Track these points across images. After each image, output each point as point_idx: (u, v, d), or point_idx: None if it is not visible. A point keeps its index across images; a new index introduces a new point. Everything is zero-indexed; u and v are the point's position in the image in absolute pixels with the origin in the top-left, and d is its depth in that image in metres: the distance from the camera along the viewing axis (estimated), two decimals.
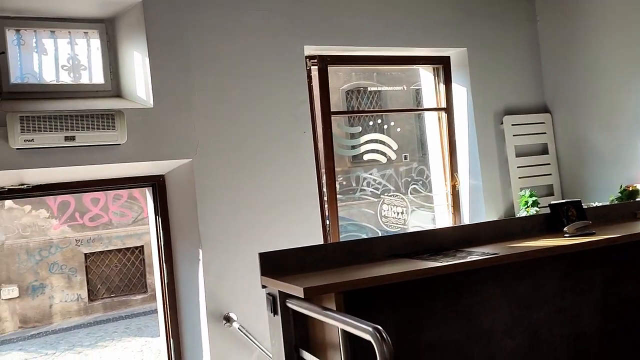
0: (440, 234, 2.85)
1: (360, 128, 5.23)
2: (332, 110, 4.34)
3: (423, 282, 2.46)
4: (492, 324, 2.59)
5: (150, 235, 4.22)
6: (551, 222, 3.00)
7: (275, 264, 2.45)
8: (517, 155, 4.67)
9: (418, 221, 4.93)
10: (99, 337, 11.43)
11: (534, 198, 4.34)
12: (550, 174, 4.76)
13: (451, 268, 2.29)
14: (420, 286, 2.46)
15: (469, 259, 2.37)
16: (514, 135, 4.66)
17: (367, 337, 1.63)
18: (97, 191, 4.97)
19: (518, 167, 4.65)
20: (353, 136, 5.12)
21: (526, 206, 4.35)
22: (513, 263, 2.61)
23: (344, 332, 1.81)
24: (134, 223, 13.86)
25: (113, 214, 13.61)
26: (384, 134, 5.09)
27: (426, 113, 5.09)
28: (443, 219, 4.85)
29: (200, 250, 3.64)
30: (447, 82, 4.78)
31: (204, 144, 3.68)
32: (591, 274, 2.86)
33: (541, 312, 2.71)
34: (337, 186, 4.41)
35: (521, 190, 4.50)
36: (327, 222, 4.26)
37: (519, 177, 4.63)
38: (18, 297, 12.75)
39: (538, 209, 4.29)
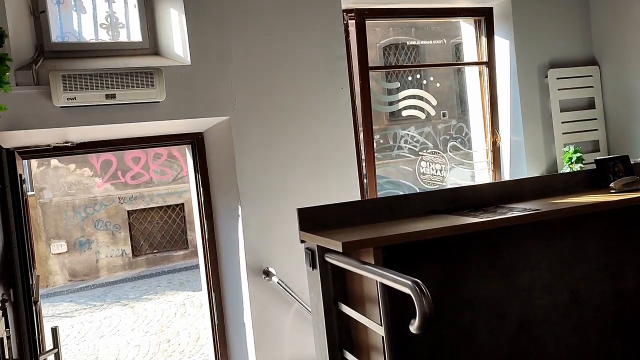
0: (480, 190, 2.80)
1: (399, 84, 5.13)
2: (369, 65, 4.26)
3: (462, 238, 2.44)
4: (532, 280, 2.56)
5: (190, 193, 4.30)
6: (597, 178, 2.91)
7: (313, 220, 2.47)
8: (562, 111, 4.52)
9: (457, 178, 4.87)
10: (143, 290, 11.88)
11: (578, 154, 4.21)
12: (596, 129, 4.60)
13: (491, 224, 2.26)
14: (459, 242, 2.44)
15: (509, 214, 2.34)
16: (558, 90, 4.50)
17: (407, 290, 1.63)
18: (138, 149, 5.05)
19: (562, 123, 4.50)
20: (391, 92, 5.03)
21: (570, 163, 4.23)
22: (555, 219, 2.56)
23: (383, 286, 1.82)
24: (174, 181, 14.16)
25: (154, 172, 13.92)
26: (422, 89, 4.97)
27: (467, 68, 4.95)
28: (483, 177, 4.77)
29: (240, 207, 3.69)
30: (489, 34, 4.61)
31: (241, 101, 3.68)
32: (637, 232, 2.78)
33: (582, 270, 2.67)
34: (375, 144, 4.37)
35: (565, 147, 4.37)
36: (365, 180, 4.25)
37: (563, 133, 4.49)
38: (66, 252, 13.31)
39: (582, 166, 4.17)
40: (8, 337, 2.33)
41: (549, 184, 2.91)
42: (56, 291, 12.51)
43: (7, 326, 2.38)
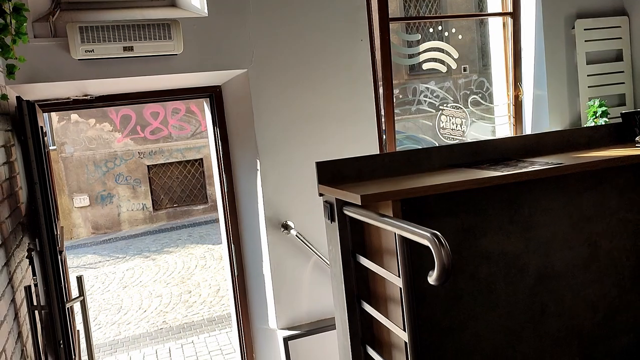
0: (501, 144, 2.76)
1: (419, 36, 5.01)
2: (390, 17, 4.16)
3: (482, 192, 2.42)
4: (551, 234, 2.55)
5: (209, 149, 4.30)
6: (622, 132, 2.85)
7: (332, 173, 2.47)
8: (588, 63, 4.38)
9: (477, 133, 4.80)
10: (164, 243, 12.13)
11: (603, 108, 4.11)
12: (622, 83, 4.47)
13: (512, 178, 2.24)
14: (478, 196, 2.43)
15: (530, 168, 2.30)
16: (585, 41, 4.35)
17: (425, 242, 1.63)
18: (157, 102, 5.05)
19: (588, 76, 4.38)
20: (411, 44, 4.92)
21: (594, 117, 4.13)
22: (577, 174, 2.52)
23: (401, 238, 1.82)
24: (193, 136, 14.22)
25: (172, 127, 13.97)
26: (443, 42, 4.85)
27: (490, 19, 4.81)
28: (504, 131, 4.70)
29: (258, 161, 3.70)
30: None
31: (259, 54, 3.63)
32: None
33: (603, 224, 2.64)
34: (394, 99, 4.31)
35: (590, 100, 4.27)
36: (384, 135, 4.21)
37: (589, 87, 4.37)
38: (89, 205, 13.58)
39: (607, 120, 4.07)
40: (35, 285, 2.40)
41: (572, 138, 2.86)
42: (80, 243, 12.84)
43: (34, 274, 2.45)
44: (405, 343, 1.88)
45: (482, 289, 2.45)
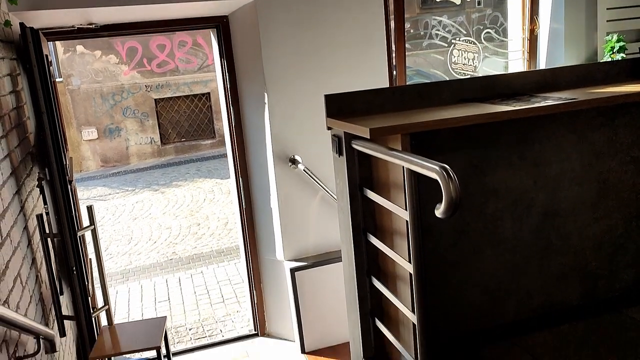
0: (514, 79, 2.69)
1: None
2: None
3: (492, 127, 2.39)
4: (561, 171, 2.53)
5: (216, 83, 4.25)
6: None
7: (341, 106, 2.43)
8: None
9: (490, 69, 4.70)
10: (173, 177, 12.24)
11: (621, 43, 3.99)
12: None
13: (523, 113, 2.19)
14: (489, 132, 2.40)
15: (543, 103, 2.26)
16: None
17: (434, 175, 1.62)
18: (163, 32, 4.96)
19: (607, 9, 4.22)
20: None
21: (611, 52, 4.02)
22: (592, 109, 2.47)
23: (410, 172, 1.82)
24: (200, 70, 14.03)
25: (179, 60, 13.78)
26: None
27: None
28: (517, 67, 4.59)
29: (266, 94, 3.66)
30: None
31: None
32: None
33: (614, 162, 2.62)
34: (405, 33, 4.19)
35: (607, 35, 4.13)
36: (394, 71, 4.12)
37: (607, 21, 4.22)
38: (97, 138, 13.63)
39: (624, 56, 3.96)
40: (47, 213, 2.44)
41: (588, 73, 2.78)
42: (90, 176, 12.98)
43: (45, 203, 2.48)
44: (410, 275, 1.91)
45: (488, 224, 2.47)
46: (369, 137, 2.02)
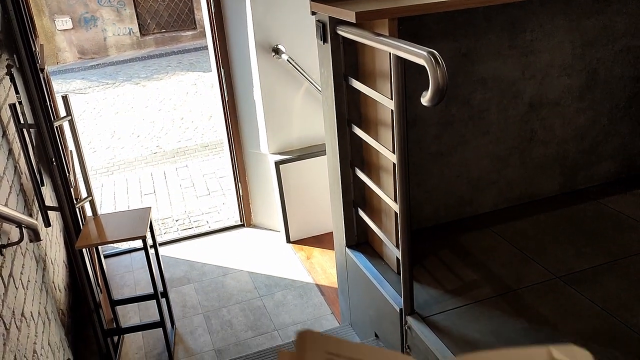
0: None
1: None
2: None
3: (484, 13, 2.29)
4: (551, 61, 2.47)
5: None
6: None
7: None
8: None
9: None
10: (153, 70, 11.90)
11: None
12: None
13: None
14: (480, 18, 2.30)
15: None
16: None
17: (421, 61, 1.56)
18: None
19: None
20: None
21: None
22: None
23: (396, 58, 1.74)
24: None
25: None
26: None
27: None
28: None
29: None
30: None
31: None
32: None
33: (605, 51, 2.55)
34: None
35: None
36: None
37: None
38: (72, 28, 13.03)
39: None
40: (20, 103, 2.36)
41: None
42: (67, 68, 12.55)
43: (16, 92, 2.39)
44: (394, 164, 1.90)
45: (474, 115, 2.44)
46: (354, 22, 1.93)
